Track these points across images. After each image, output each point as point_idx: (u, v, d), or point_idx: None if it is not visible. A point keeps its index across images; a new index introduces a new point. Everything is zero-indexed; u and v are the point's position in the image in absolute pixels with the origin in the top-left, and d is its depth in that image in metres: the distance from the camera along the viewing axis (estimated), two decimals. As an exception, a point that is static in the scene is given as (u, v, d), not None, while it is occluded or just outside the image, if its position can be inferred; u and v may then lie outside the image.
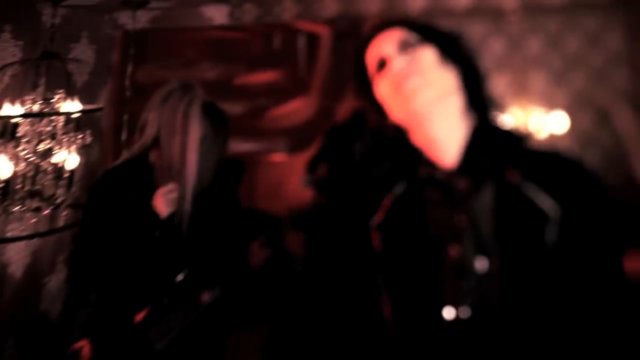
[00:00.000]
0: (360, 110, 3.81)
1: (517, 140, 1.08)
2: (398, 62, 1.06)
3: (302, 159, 3.43)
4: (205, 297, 2.01)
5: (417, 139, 1.11)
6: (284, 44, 4.64)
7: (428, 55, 1.06)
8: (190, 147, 1.93)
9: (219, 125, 2.19)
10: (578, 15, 4.24)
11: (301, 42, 4.52)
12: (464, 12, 3.99)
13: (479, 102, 1.10)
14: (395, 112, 1.09)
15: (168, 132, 1.93)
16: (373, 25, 1.15)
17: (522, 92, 4.08)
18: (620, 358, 0.99)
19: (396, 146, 1.13)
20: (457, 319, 1.00)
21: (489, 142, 1.07)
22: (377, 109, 1.14)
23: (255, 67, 4.82)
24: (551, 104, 4.25)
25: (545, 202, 0.99)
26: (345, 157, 3.13)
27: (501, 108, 1.12)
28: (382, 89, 1.09)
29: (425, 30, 1.10)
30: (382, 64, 1.09)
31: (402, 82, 1.05)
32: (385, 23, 1.13)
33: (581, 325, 0.99)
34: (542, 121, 4.05)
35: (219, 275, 2.06)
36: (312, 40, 4.49)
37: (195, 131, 1.98)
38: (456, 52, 1.10)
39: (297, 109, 4.62)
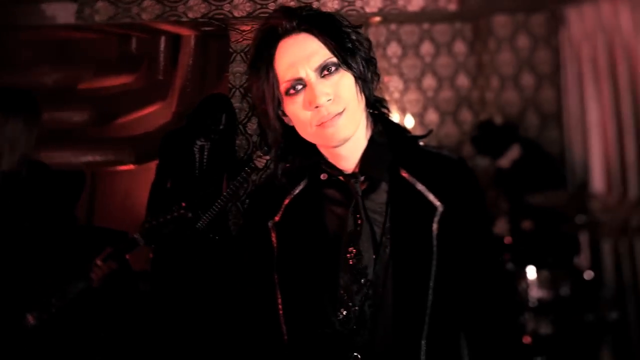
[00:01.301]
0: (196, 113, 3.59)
1: (409, 140, 1.17)
2: (320, 91, 1.05)
3: (152, 168, 3.39)
4: (30, 319, 2.07)
5: (321, 147, 1.15)
6: (142, 46, 4.50)
7: (347, 80, 1.08)
8: None
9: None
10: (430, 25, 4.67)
11: (162, 45, 4.42)
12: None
13: (376, 106, 1.16)
14: (305, 130, 1.10)
15: None
16: (282, 22, 1.09)
17: (384, 95, 4.39)
18: (496, 336, 1.14)
19: (298, 148, 1.15)
20: (347, 317, 1.08)
21: (385, 144, 1.14)
22: (279, 119, 1.13)
23: (106, 71, 4.60)
24: (406, 108, 4.65)
25: (433, 197, 1.10)
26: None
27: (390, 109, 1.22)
28: (295, 109, 1.08)
29: (340, 38, 1.09)
30: (298, 84, 1.07)
31: (323, 112, 1.05)
32: (295, 22, 1.08)
33: (461, 313, 1.13)
34: (400, 122, 4.41)
35: (47, 295, 2.12)
36: (175, 42, 4.39)
37: None
38: (366, 60, 1.12)
39: (152, 115, 4.53)
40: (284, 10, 1.10)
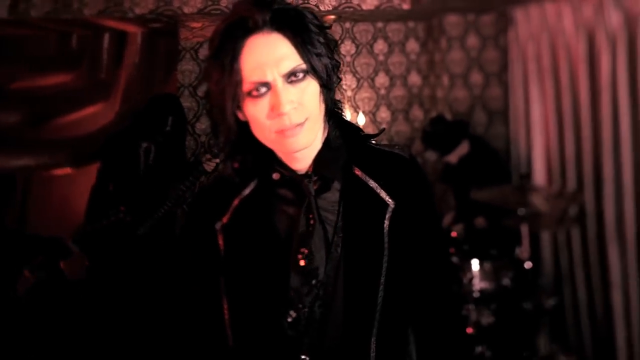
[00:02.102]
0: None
1: (362, 139, 1.20)
2: (286, 98, 1.04)
3: (92, 171, 3.31)
4: None
5: (273, 148, 1.13)
6: (83, 44, 4.35)
7: (313, 89, 1.08)
8: None
9: None
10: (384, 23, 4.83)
11: (105, 42, 4.29)
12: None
13: (333, 106, 1.17)
14: (263, 134, 1.09)
15: None
16: (254, 14, 1.06)
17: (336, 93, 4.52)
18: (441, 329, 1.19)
19: (250, 146, 1.14)
20: (296, 319, 1.10)
21: (339, 144, 1.16)
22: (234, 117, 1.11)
23: (43, 69, 4.40)
24: (358, 106, 4.79)
25: (385, 194, 1.13)
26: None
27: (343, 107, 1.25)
28: (256, 111, 1.06)
29: (311, 43, 1.08)
30: (263, 87, 1.05)
31: (285, 120, 1.05)
32: (268, 17, 1.06)
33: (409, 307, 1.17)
34: (352, 120, 4.54)
35: None
36: (120, 39, 4.25)
37: None
38: (332, 65, 1.13)
39: (93, 115, 4.36)
40: (256, 2, 1.07)
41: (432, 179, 4.73)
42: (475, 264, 3.20)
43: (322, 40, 1.10)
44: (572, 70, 3.40)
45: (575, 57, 3.35)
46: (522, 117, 3.88)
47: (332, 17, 4.45)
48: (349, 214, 1.13)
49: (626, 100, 2.90)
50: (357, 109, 4.68)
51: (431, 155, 3.99)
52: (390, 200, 1.13)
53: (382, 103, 4.81)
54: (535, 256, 3.34)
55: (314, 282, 1.11)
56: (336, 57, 1.16)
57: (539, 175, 3.67)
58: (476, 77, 4.31)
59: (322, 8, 4.13)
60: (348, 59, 4.76)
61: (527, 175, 3.37)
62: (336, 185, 1.15)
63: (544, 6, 3.62)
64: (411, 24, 4.76)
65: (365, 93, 4.79)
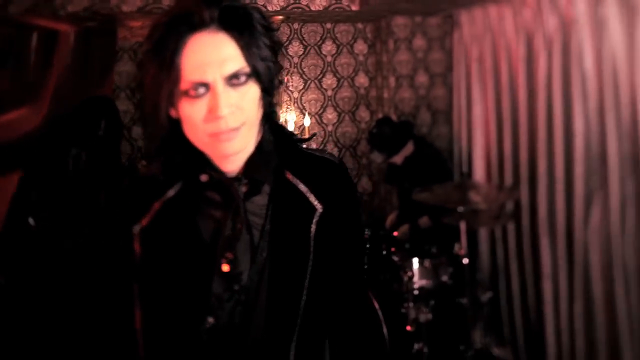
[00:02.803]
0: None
1: (293, 143, 1.21)
2: (225, 101, 1.03)
3: (13, 180, 3.13)
4: None
5: (204, 150, 1.11)
6: (7, 43, 4.07)
7: (254, 93, 1.07)
8: None
9: None
10: (333, 24, 4.97)
11: (34, 41, 4.05)
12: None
13: (270, 110, 1.15)
14: (196, 136, 1.08)
15: None
16: (201, 10, 1.03)
17: (282, 95, 4.63)
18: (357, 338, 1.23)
19: (179, 144, 1.11)
20: (215, 326, 1.10)
21: (272, 147, 1.16)
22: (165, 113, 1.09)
23: None
24: (305, 108, 4.91)
25: (314, 198, 1.15)
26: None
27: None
28: (192, 112, 1.05)
29: (258, 46, 1.06)
30: (202, 88, 1.03)
31: (221, 124, 1.03)
32: (216, 14, 1.04)
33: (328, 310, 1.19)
34: (298, 122, 4.68)
35: None
36: (50, 39, 4.08)
37: None
38: (276, 70, 1.12)
39: (17, 119, 4.05)
40: None
41: (377, 180, 4.88)
42: (415, 262, 3.33)
43: (268, 42, 1.09)
44: (511, 71, 3.59)
45: (515, 58, 3.54)
46: (464, 116, 4.06)
47: (280, 17, 4.56)
48: (277, 217, 1.14)
49: (560, 100, 3.09)
50: (304, 111, 4.80)
51: (377, 157, 4.11)
52: (318, 204, 1.15)
53: (329, 104, 4.94)
54: (473, 252, 3.50)
55: (236, 287, 1.11)
56: (280, 60, 1.14)
57: (479, 173, 3.84)
58: (422, 78, 4.49)
59: (270, 8, 4.22)
60: (296, 60, 4.89)
61: (467, 174, 3.53)
62: (266, 188, 1.15)
63: (487, 9, 3.81)
64: (360, 26, 4.93)
65: (312, 94, 4.92)
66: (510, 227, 3.51)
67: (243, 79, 1.05)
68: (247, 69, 1.05)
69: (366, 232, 3.76)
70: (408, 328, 3.28)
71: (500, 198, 3.31)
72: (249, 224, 1.13)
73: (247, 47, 1.05)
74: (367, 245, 3.73)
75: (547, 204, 3.15)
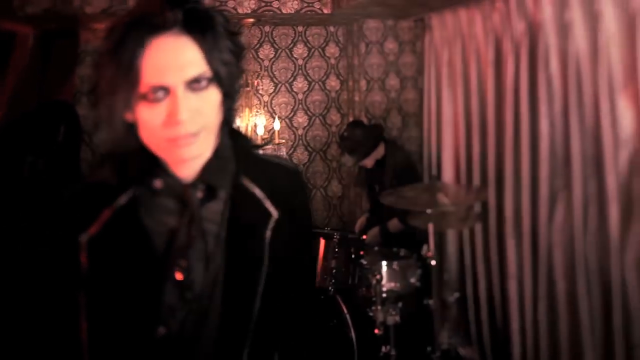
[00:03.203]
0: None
1: (251, 149, 1.23)
2: (185, 106, 1.02)
3: None
4: None
5: (161, 155, 1.10)
6: None
7: (214, 98, 1.06)
8: None
9: None
10: (304, 27, 5.05)
11: None
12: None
13: (229, 115, 1.15)
14: (152, 141, 1.07)
15: None
16: (165, 12, 1.02)
17: (252, 99, 4.69)
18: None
19: (133, 148, 1.09)
20: (166, 335, 1.09)
21: (229, 153, 1.16)
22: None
23: None
24: (275, 111, 4.96)
25: (270, 204, 1.16)
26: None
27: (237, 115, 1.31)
28: (150, 116, 1.04)
29: (220, 50, 1.06)
30: (161, 92, 1.02)
31: (180, 129, 1.03)
32: (179, 16, 1.02)
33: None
34: (268, 126, 4.73)
35: None
36: (6, 40, 3.96)
37: None
38: (238, 75, 1.12)
39: None
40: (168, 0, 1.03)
41: (347, 183, 4.95)
42: (383, 266, 3.39)
43: (231, 46, 1.08)
44: (481, 74, 3.69)
45: (484, 61, 3.64)
46: (434, 119, 4.16)
47: (251, 20, 4.62)
48: (232, 223, 1.13)
49: (526, 102, 3.19)
50: (274, 114, 4.85)
51: (348, 160, 4.17)
52: (274, 210, 1.16)
53: (300, 108, 5.00)
54: (441, 253, 3.57)
55: (189, 295, 1.10)
56: (242, 65, 1.13)
57: (448, 175, 3.93)
58: (393, 81, 4.58)
59: (240, 10, 4.28)
60: (267, 63, 4.95)
61: (437, 176, 3.61)
62: (222, 194, 1.14)
63: (458, 13, 3.91)
64: (331, 29, 5.00)
65: (282, 98, 4.98)
66: (478, 229, 3.59)
67: (204, 83, 1.04)
68: (208, 74, 1.04)
69: (335, 236, 3.81)
70: (376, 331, 3.33)
71: (468, 200, 3.40)
72: (204, 231, 1.12)
73: (209, 51, 1.04)
74: (336, 249, 3.77)
75: (514, 205, 3.25)
